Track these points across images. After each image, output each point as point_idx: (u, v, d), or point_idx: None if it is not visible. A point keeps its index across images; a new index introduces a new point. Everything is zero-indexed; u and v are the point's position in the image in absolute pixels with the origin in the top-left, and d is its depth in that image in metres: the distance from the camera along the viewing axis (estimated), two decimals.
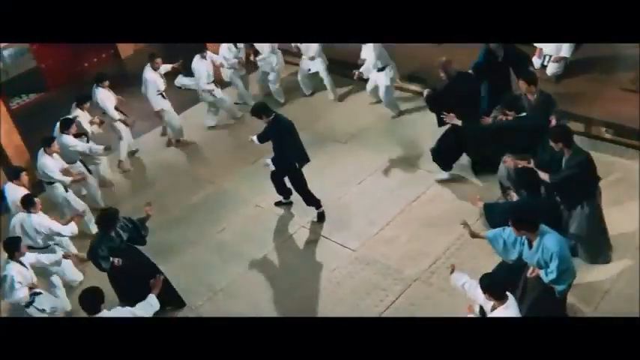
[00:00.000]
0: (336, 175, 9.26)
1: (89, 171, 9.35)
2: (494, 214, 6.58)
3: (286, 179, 8.49)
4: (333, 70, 11.09)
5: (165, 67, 10.59)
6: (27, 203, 7.48)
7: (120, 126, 10.17)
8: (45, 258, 7.33)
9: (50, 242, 7.75)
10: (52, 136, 8.71)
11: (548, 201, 6.64)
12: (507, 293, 5.22)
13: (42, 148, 8.42)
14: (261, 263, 8.07)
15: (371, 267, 7.61)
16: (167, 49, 11.99)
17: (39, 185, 8.86)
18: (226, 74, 11.36)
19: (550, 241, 5.58)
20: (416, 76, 10.61)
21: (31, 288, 6.92)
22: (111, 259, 6.83)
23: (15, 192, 7.86)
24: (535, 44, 9.65)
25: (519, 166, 6.90)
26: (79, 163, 9.13)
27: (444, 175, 8.58)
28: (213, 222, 8.84)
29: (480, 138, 7.61)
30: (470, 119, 7.57)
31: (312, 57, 10.76)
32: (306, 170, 8.95)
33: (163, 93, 10.39)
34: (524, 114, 7.21)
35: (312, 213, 8.55)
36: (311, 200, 8.44)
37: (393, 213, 8.27)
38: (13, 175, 8.04)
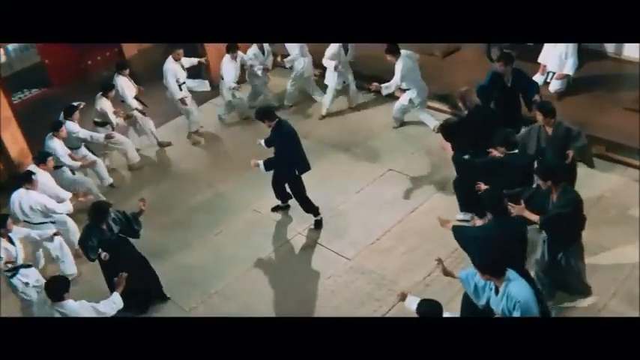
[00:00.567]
0: (335, 182, 9.27)
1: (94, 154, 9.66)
2: (462, 238, 6.24)
3: (286, 185, 8.49)
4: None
5: (191, 61, 10.77)
6: (25, 179, 7.74)
7: (137, 115, 10.43)
8: (35, 233, 7.59)
9: (46, 220, 7.92)
10: (61, 121, 8.99)
11: (514, 224, 6.14)
12: None
13: (50, 133, 8.74)
14: (256, 268, 8.07)
15: (366, 277, 7.61)
16: (169, 52, 12.01)
17: None
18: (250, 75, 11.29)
19: (515, 288, 5.30)
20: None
21: (9, 262, 7.09)
22: (100, 251, 6.92)
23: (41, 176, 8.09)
24: (539, 61, 9.67)
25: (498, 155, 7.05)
26: (83, 148, 9.44)
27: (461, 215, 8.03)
28: (210, 225, 8.84)
29: (467, 172, 7.43)
30: (477, 151, 7.38)
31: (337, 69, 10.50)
32: (306, 176, 8.95)
33: (182, 85, 10.49)
34: (515, 150, 7.07)
35: (309, 220, 8.55)
36: (309, 207, 8.43)
37: (391, 223, 8.28)
38: (40, 159, 8.27)
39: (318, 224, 8.49)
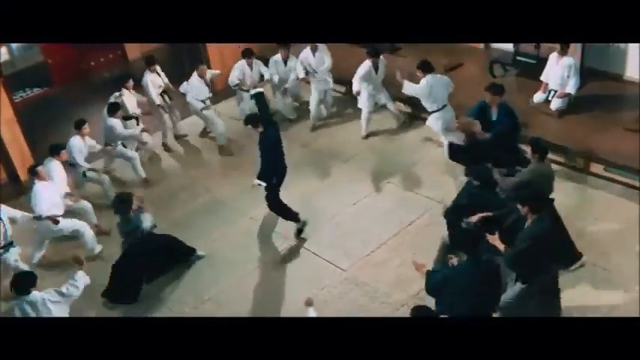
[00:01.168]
0: (332, 193, 9.27)
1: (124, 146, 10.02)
2: (432, 285, 5.93)
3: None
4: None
5: (212, 73, 10.80)
6: (31, 172, 8.19)
7: (160, 111, 10.64)
8: (20, 215, 7.99)
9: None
10: (83, 119, 9.26)
11: (487, 265, 5.87)
12: None
13: (75, 131, 9.11)
14: (250, 275, 8.04)
15: (360, 288, 7.58)
16: (172, 53, 12.05)
17: None
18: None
19: None
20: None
21: None
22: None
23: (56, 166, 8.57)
24: (541, 79, 9.68)
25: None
26: (120, 145, 9.82)
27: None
28: (206, 230, 8.82)
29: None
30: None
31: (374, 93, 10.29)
32: (304, 185, 9.00)
33: (206, 101, 10.54)
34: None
35: (306, 229, 8.54)
36: (287, 215, 8.43)
37: (387, 236, 8.26)
38: (54, 151, 8.60)
39: (300, 232, 8.46)
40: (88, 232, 8.43)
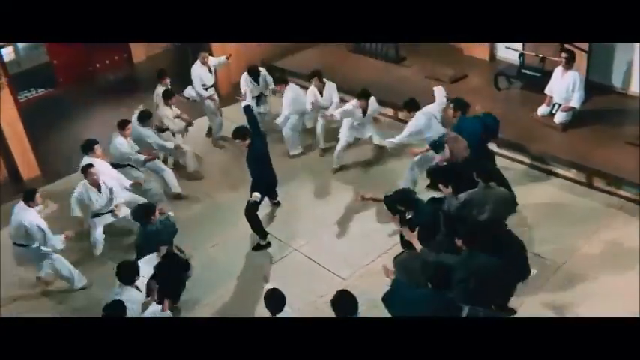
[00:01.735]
0: (336, 201, 9.27)
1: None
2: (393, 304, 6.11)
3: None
4: None
5: (219, 60, 10.86)
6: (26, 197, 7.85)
7: (209, 102, 10.73)
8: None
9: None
10: (128, 120, 9.21)
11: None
12: None
13: (118, 132, 9.06)
14: (249, 282, 8.02)
15: (359, 297, 7.44)
16: (177, 57, 12.08)
17: None
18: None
19: None
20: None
21: None
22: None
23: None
24: (546, 92, 9.69)
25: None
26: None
27: None
28: (206, 236, 8.81)
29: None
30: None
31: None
32: (309, 193, 8.98)
33: (209, 87, 10.65)
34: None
35: (306, 236, 8.59)
36: (258, 230, 8.47)
37: (388, 245, 8.23)
38: (88, 148, 8.61)
39: (258, 248, 8.49)
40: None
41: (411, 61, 12.07)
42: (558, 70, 9.48)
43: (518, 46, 10.58)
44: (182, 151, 10.09)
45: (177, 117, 10.03)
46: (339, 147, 9.89)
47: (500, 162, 8.78)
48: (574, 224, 8.27)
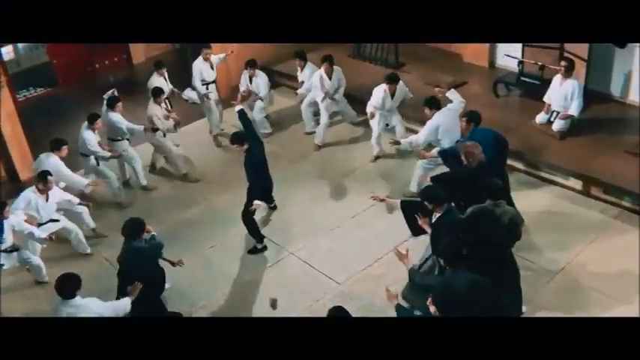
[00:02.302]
0: (331, 206, 9.26)
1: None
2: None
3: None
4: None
5: (219, 57, 10.91)
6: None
7: (208, 100, 10.81)
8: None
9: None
10: (97, 113, 9.31)
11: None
12: None
13: (86, 123, 9.13)
14: (245, 285, 8.01)
15: (355, 302, 7.54)
16: (177, 59, 12.06)
17: None
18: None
19: None
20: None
21: None
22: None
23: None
24: (544, 100, 9.70)
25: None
26: (125, 142, 9.68)
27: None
28: (203, 238, 8.80)
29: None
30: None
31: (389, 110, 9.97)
32: (304, 197, 8.96)
33: (209, 85, 10.69)
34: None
35: (302, 240, 8.58)
36: (255, 233, 8.50)
37: (384, 251, 8.22)
38: (56, 145, 8.68)
39: (254, 251, 8.49)
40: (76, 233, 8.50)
41: (410, 67, 12.08)
42: (557, 79, 9.49)
43: (518, 53, 10.59)
44: (168, 150, 10.13)
45: (167, 116, 9.99)
46: (373, 139, 10.16)
47: None
48: (571, 233, 8.27)
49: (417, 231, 7.11)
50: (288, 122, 11.46)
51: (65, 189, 8.76)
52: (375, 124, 10.03)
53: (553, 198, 8.96)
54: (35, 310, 7.71)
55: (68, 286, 5.94)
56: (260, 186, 8.30)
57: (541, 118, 9.80)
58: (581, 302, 7.23)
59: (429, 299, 5.56)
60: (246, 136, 8.23)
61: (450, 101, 8.81)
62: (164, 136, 9.98)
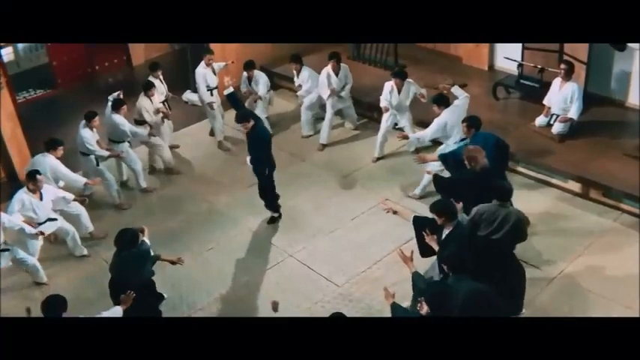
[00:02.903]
0: (331, 207, 9.26)
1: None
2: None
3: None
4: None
5: (219, 65, 10.89)
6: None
7: (213, 109, 10.75)
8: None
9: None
10: (94, 111, 9.20)
11: None
12: None
13: (84, 122, 9.07)
14: (244, 287, 8.01)
15: (354, 304, 7.54)
16: (176, 61, 12.04)
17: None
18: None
19: None
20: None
21: None
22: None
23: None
24: (544, 103, 9.70)
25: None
26: (126, 144, 9.63)
27: None
28: (203, 240, 8.80)
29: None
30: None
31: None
32: (304, 199, 8.98)
33: (213, 90, 10.68)
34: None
35: (302, 242, 8.59)
36: (272, 205, 8.85)
37: (383, 253, 8.23)
38: (51, 145, 8.63)
39: (273, 220, 8.93)
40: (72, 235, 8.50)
41: (409, 69, 11.99)
42: (557, 81, 9.49)
43: (517, 56, 10.60)
44: (157, 145, 10.15)
45: (157, 110, 10.04)
46: (379, 137, 10.17)
47: None
48: (570, 235, 8.28)
49: (425, 251, 6.89)
50: (287, 124, 11.46)
51: (64, 189, 8.74)
52: (383, 120, 10.06)
53: (552, 200, 8.97)
54: (35, 310, 7.68)
55: (53, 308, 5.79)
56: (264, 163, 8.44)
57: (540, 120, 9.80)
58: (580, 305, 7.24)
59: (422, 301, 5.53)
60: (252, 114, 8.43)
61: (455, 98, 8.82)
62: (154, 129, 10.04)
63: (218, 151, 10.94)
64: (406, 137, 9.24)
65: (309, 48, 11.89)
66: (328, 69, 10.40)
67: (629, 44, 9.61)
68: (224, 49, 11.30)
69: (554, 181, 9.23)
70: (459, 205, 6.80)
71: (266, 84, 10.87)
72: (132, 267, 6.64)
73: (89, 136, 9.06)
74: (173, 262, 7.19)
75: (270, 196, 8.83)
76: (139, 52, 14.07)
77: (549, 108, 9.69)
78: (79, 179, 8.87)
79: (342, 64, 10.51)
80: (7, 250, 7.80)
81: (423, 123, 9.69)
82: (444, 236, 6.45)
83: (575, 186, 9.03)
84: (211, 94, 10.68)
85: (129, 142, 9.67)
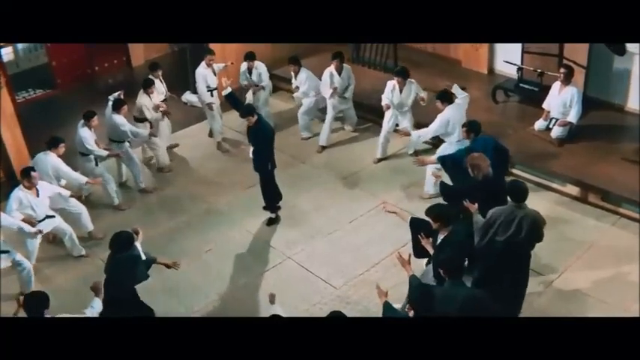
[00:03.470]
0: (330, 210, 9.25)
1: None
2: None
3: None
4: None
5: (218, 66, 10.89)
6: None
7: (213, 110, 10.74)
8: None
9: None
10: (93, 111, 9.19)
11: None
12: None
13: (82, 121, 9.07)
14: (242, 289, 8.00)
15: (351, 307, 7.54)
16: (176, 62, 12.02)
17: None
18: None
19: None
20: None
21: None
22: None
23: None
24: (543, 107, 9.71)
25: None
26: (126, 144, 9.61)
27: None
28: (201, 242, 8.79)
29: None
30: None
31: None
32: (304, 201, 8.97)
33: (213, 91, 10.69)
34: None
35: (300, 245, 8.59)
36: (270, 204, 8.88)
37: (381, 256, 8.23)
38: (53, 143, 8.62)
39: (272, 221, 8.93)
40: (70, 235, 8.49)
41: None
42: (556, 85, 9.49)
43: (517, 60, 10.60)
44: (155, 145, 10.17)
45: (156, 107, 10.03)
46: (380, 138, 10.18)
47: None
48: (568, 239, 8.28)
49: (420, 253, 6.94)
50: (286, 126, 11.44)
51: (65, 188, 8.73)
52: (385, 120, 10.06)
53: (551, 204, 8.96)
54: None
55: (35, 306, 5.66)
56: (265, 157, 8.51)
57: (540, 124, 9.80)
58: (578, 309, 7.24)
59: (408, 303, 5.53)
60: (255, 108, 8.55)
61: (456, 97, 8.84)
62: (151, 127, 10.04)
63: (217, 152, 10.94)
64: (408, 134, 9.28)
65: (308, 50, 11.91)
66: (331, 68, 10.40)
67: (629, 49, 9.62)
68: (224, 49, 11.30)
69: (553, 184, 9.24)
70: (475, 206, 6.75)
71: (267, 73, 10.94)
72: (126, 269, 6.64)
73: (88, 135, 9.05)
74: (168, 266, 7.18)
75: (270, 193, 8.84)
76: (139, 53, 14.06)
77: (548, 112, 9.69)
78: (81, 178, 8.87)
79: (344, 65, 10.53)
80: (7, 251, 7.76)
81: (422, 125, 9.65)
82: (439, 240, 6.46)
83: (573, 190, 9.04)
84: (211, 95, 10.68)
85: (129, 142, 9.67)
